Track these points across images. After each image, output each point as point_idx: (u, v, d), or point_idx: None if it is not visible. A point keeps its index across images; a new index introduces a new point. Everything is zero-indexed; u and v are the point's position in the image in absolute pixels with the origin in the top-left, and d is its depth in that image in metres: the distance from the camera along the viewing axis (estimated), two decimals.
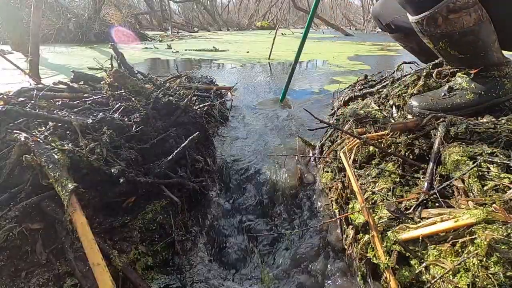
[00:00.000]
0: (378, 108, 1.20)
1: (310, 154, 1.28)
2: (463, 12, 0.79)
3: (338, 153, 1.03)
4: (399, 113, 1.10)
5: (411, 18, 0.89)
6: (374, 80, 1.65)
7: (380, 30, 1.47)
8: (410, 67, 1.59)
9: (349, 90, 1.75)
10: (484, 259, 0.51)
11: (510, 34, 0.88)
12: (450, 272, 0.55)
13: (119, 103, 1.14)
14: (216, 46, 5.58)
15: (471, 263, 0.52)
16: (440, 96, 1.01)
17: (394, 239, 0.64)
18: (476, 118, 0.92)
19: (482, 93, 0.92)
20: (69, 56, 4.41)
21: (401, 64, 1.56)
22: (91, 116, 1.00)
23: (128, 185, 0.81)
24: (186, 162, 1.04)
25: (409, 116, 1.03)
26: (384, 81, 1.52)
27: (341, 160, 0.96)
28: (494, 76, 0.91)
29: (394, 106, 1.16)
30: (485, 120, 0.86)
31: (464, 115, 0.93)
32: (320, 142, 1.29)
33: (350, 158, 0.97)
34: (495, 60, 0.89)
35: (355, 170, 0.95)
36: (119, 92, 1.24)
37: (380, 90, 1.41)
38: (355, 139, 0.98)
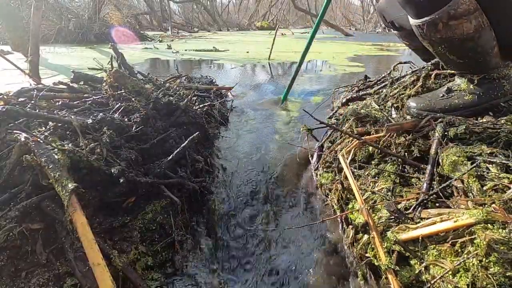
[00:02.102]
0: (378, 107, 1.20)
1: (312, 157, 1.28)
2: (464, 19, 0.79)
3: (338, 154, 1.03)
4: (398, 114, 1.10)
5: (412, 21, 0.89)
6: (371, 81, 1.65)
7: (380, 30, 1.46)
8: (410, 67, 1.59)
9: (349, 90, 1.75)
10: (484, 259, 0.51)
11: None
12: (450, 272, 0.55)
13: (119, 103, 1.15)
14: (216, 46, 5.58)
15: (471, 263, 0.53)
16: (438, 97, 1.01)
17: (394, 239, 0.64)
18: (475, 118, 0.92)
19: (481, 94, 0.92)
20: (69, 56, 4.41)
21: (397, 64, 1.56)
22: (91, 116, 1.00)
23: (128, 185, 0.81)
24: (186, 162, 1.04)
25: (408, 117, 1.03)
26: (383, 82, 1.52)
27: (340, 162, 0.95)
28: (493, 78, 0.91)
29: (393, 107, 1.16)
30: (484, 120, 0.86)
31: (462, 116, 0.93)
32: (320, 142, 1.29)
33: (348, 159, 0.97)
34: (493, 65, 0.89)
35: (355, 170, 0.95)
36: (119, 92, 1.24)
37: (380, 90, 1.41)
38: (355, 139, 0.98)
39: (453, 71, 1.12)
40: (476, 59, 0.88)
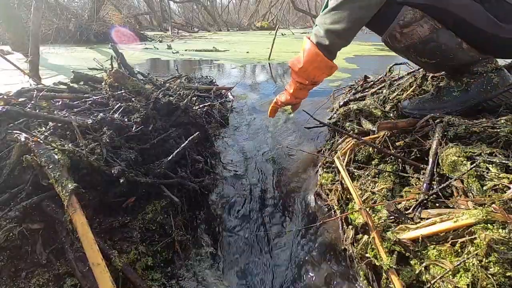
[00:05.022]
0: (379, 108, 1.20)
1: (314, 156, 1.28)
2: (415, 25, 0.89)
3: (334, 156, 1.03)
4: (394, 116, 1.10)
5: (381, 39, 0.99)
6: (372, 81, 1.65)
7: None
8: (408, 67, 1.59)
9: (347, 92, 1.75)
10: (484, 259, 0.51)
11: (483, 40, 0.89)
12: (450, 272, 0.55)
13: (119, 104, 1.15)
14: (216, 47, 5.58)
15: (471, 263, 0.53)
16: (429, 96, 1.02)
17: (395, 240, 0.64)
18: (475, 118, 0.92)
19: (469, 89, 0.93)
20: (69, 56, 4.41)
21: (392, 66, 1.56)
22: (91, 117, 1.00)
23: (128, 185, 0.81)
24: (186, 162, 1.04)
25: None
26: (381, 83, 1.51)
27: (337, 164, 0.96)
28: (479, 72, 0.91)
29: (391, 110, 1.16)
30: (484, 120, 0.86)
31: (453, 112, 0.94)
32: (321, 143, 1.29)
33: (344, 161, 0.97)
34: (468, 58, 0.91)
35: (355, 170, 0.95)
36: (119, 92, 1.24)
37: (380, 91, 1.41)
38: (354, 139, 0.98)
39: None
40: (446, 56, 0.92)
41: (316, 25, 1.00)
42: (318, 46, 0.99)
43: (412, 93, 1.17)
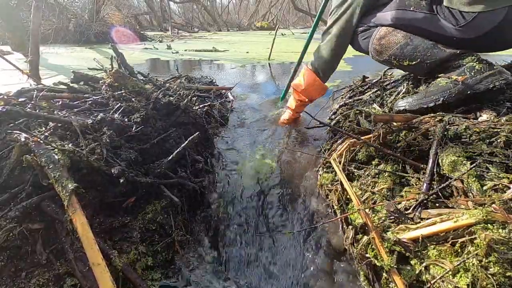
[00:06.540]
0: (377, 109, 1.20)
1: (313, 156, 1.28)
2: (389, 35, 1.07)
3: (330, 158, 1.03)
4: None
5: (370, 56, 1.18)
6: (370, 81, 1.65)
7: None
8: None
9: (348, 91, 1.75)
10: (484, 259, 0.51)
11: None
12: (450, 272, 0.55)
13: (119, 104, 1.15)
14: (216, 47, 5.58)
15: (471, 263, 0.53)
16: (419, 92, 1.08)
17: (395, 239, 0.64)
18: (475, 117, 0.92)
19: (454, 80, 0.96)
20: (69, 56, 4.41)
21: (388, 69, 1.56)
22: (91, 117, 1.00)
23: (128, 185, 0.81)
24: (186, 162, 1.04)
25: None
26: (378, 85, 1.51)
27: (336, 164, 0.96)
28: (461, 65, 0.97)
29: (390, 111, 1.17)
30: (484, 119, 0.86)
31: (440, 100, 0.97)
32: (321, 143, 1.29)
33: (341, 162, 0.97)
34: (447, 54, 0.99)
35: (355, 170, 0.95)
36: (119, 92, 1.24)
37: (376, 93, 1.41)
38: (353, 139, 0.98)
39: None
40: (425, 55, 1.02)
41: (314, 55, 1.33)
42: (315, 73, 1.34)
43: (405, 94, 1.18)
